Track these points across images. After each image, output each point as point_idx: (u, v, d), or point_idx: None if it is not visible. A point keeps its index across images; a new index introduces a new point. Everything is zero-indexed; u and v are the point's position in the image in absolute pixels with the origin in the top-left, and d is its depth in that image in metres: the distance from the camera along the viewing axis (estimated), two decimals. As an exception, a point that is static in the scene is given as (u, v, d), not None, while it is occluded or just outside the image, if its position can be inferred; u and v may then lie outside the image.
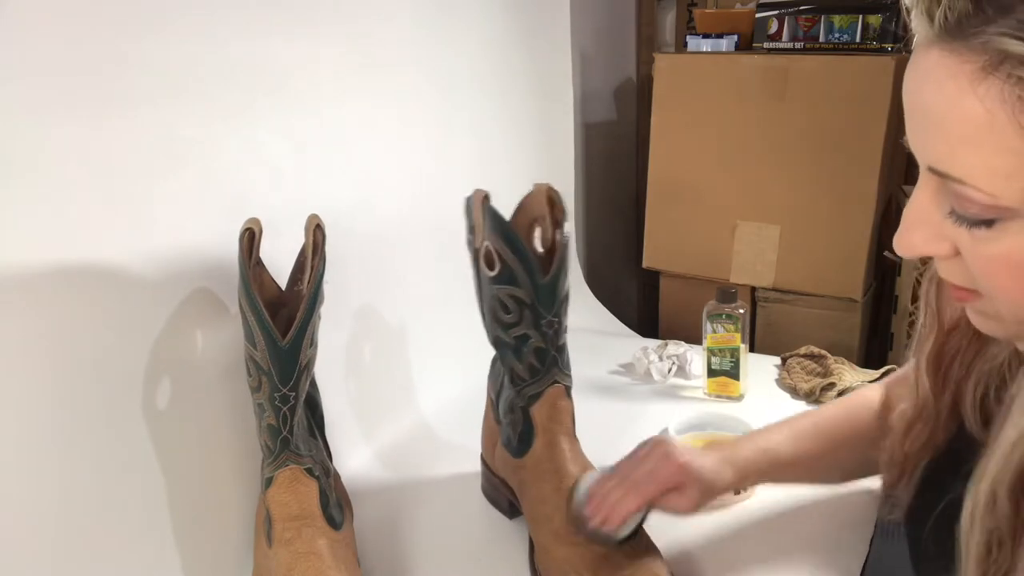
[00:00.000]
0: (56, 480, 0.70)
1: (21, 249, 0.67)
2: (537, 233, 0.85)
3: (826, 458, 0.80)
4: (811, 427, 0.81)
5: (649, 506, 0.75)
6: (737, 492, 0.89)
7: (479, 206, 0.82)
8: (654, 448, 0.77)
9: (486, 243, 0.81)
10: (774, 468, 0.79)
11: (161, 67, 0.79)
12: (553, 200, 0.84)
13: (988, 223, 0.44)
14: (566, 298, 0.83)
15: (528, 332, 0.82)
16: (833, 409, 0.83)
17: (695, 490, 0.74)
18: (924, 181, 0.47)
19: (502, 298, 0.81)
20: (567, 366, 0.85)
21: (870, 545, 0.83)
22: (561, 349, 0.84)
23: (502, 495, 0.91)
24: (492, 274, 0.81)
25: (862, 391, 0.84)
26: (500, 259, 0.80)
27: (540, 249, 0.84)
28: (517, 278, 0.80)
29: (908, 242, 0.48)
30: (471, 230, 0.85)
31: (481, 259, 0.82)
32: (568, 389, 0.85)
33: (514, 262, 0.79)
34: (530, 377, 0.84)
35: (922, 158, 0.46)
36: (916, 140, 0.47)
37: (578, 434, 0.88)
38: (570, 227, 0.84)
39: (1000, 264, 0.45)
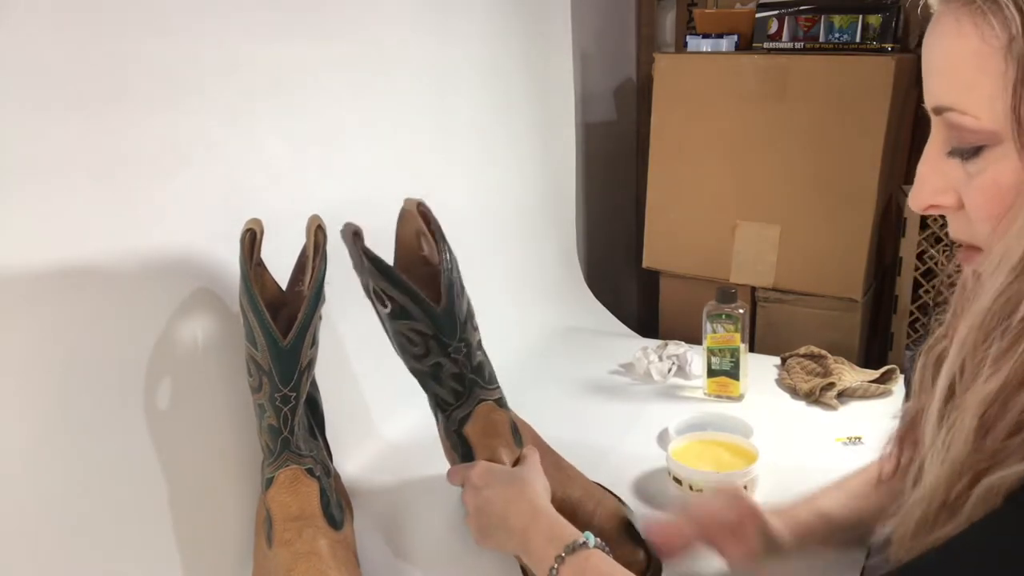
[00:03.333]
0: (56, 480, 0.70)
1: (21, 249, 0.67)
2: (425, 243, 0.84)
3: (884, 513, 0.78)
4: (863, 485, 0.79)
5: (703, 540, 0.76)
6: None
7: (351, 245, 0.80)
8: (726, 492, 0.79)
9: (370, 282, 0.79)
10: (833, 531, 0.78)
11: (161, 67, 0.79)
12: (426, 216, 0.82)
13: (978, 151, 0.48)
14: (469, 317, 0.82)
15: (441, 361, 0.81)
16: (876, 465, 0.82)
17: (755, 537, 0.74)
18: (932, 131, 0.51)
19: (404, 332, 0.81)
20: (490, 380, 0.84)
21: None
22: (478, 368, 0.83)
23: None
24: (387, 311, 0.80)
25: (858, 472, 0.82)
26: (389, 297, 0.79)
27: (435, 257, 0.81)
28: (411, 313, 0.79)
29: (919, 195, 0.53)
30: (354, 266, 0.82)
31: (371, 296, 0.81)
32: (499, 400, 0.84)
33: (403, 299, 0.78)
34: (455, 400, 0.84)
35: (929, 104, 0.50)
36: (925, 89, 0.51)
37: (578, 435, 0.89)
38: (450, 244, 0.81)
39: (989, 193, 0.48)
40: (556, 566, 0.66)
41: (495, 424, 0.83)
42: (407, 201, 0.84)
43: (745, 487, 0.90)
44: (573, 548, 0.66)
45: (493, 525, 0.76)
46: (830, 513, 0.78)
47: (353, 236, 0.80)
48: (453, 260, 0.81)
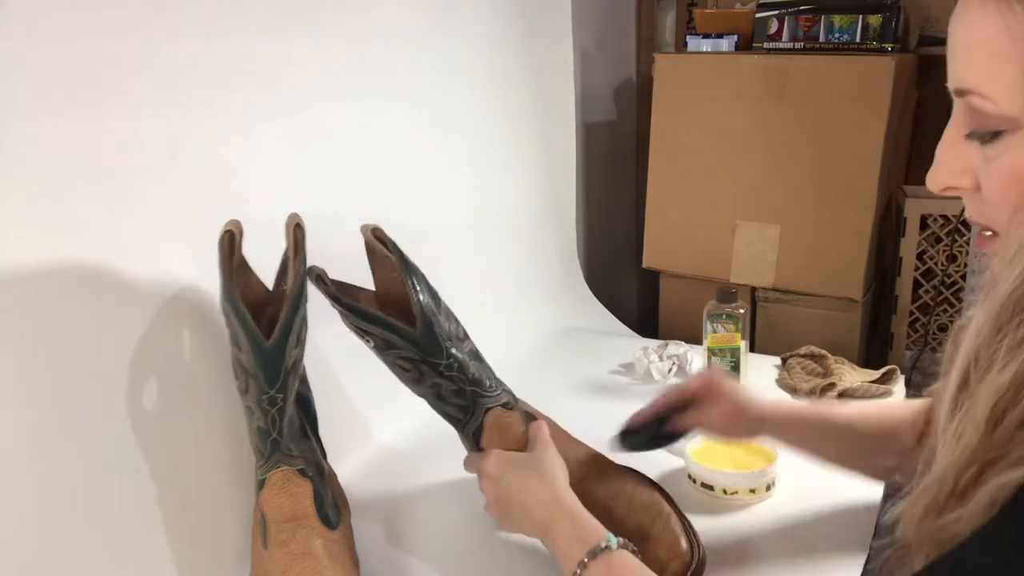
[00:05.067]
0: (52, 481, 0.69)
1: (17, 249, 0.67)
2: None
3: (880, 438, 0.81)
4: (873, 410, 0.84)
5: (674, 409, 0.86)
6: (768, 488, 0.91)
7: (319, 289, 0.80)
8: (706, 370, 0.89)
9: (349, 325, 0.80)
10: (823, 426, 0.83)
11: (160, 67, 0.79)
12: (383, 241, 0.81)
13: (996, 135, 0.48)
14: (453, 333, 0.81)
15: (437, 381, 0.81)
16: (901, 404, 0.85)
17: (724, 406, 0.84)
18: (953, 112, 0.51)
19: (395, 362, 0.81)
20: (492, 387, 0.84)
21: (869, 549, 0.83)
22: (476, 380, 0.82)
23: None
24: (371, 345, 0.80)
25: (900, 402, 0.86)
26: (368, 333, 0.79)
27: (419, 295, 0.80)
28: (394, 343, 0.79)
29: (936, 176, 0.53)
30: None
31: (354, 333, 0.82)
32: (505, 404, 0.84)
33: (381, 332, 0.78)
34: (464, 416, 0.83)
35: (951, 85, 0.51)
36: (948, 69, 0.50)
37: (579, 434, 0.88)
38: (414, 265, 0.81)
39: (1005, 179, 0.48)
40: (579, 572, 0.67)
41: (508, 428, 0.83)
42: (363, 229, 0.83)
43: (768, 487, 0.91)
44: (595, 553, 0.67)
45: (514, 514, 0.76)
46: (824, 411, 0.84)
47: (317, 280, 0.79)
48: (422, 282, 0.80)
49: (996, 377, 0.46)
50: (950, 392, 0.51)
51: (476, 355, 0.84)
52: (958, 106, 0.51)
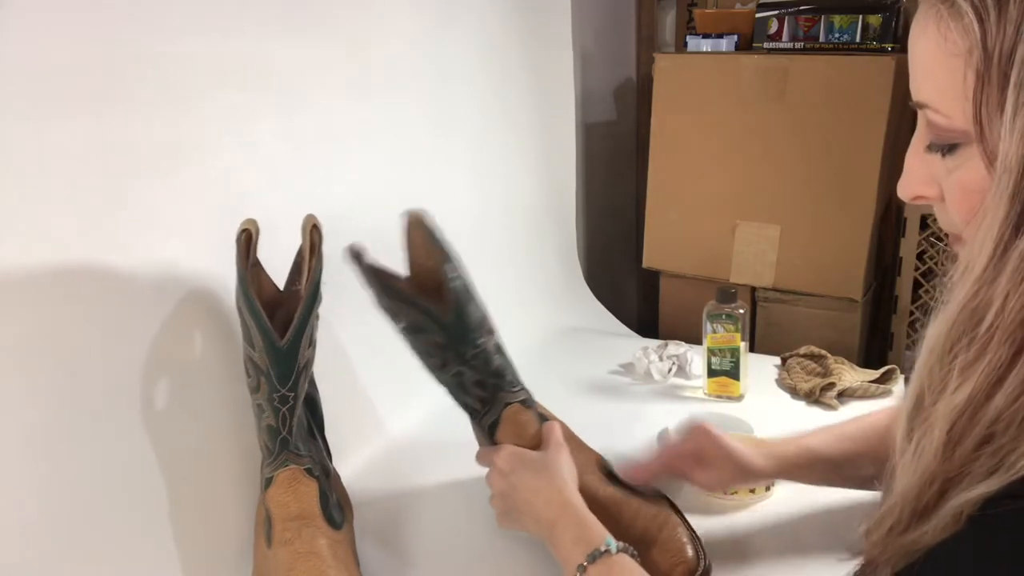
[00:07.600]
0: (55, 480, 0.70)
1: (20, 249, 0.67)
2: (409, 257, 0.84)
3: (868, 457, 0.80)
4: (856, 429, 0.83)
5: (671, 472, 0.83)
6: (768, 488, 0.91)
7: (356, 267, 0.80)
8: (695, 426, 0.84)
9: (380, 301, 0.81)
10: (815, 465, 0.81)
11: (161, 67, 0.79)
12: (427, 226, 0.82)
13: (952, 149, 0.48)
14: (481, 323, 0.82)
15: (460, 369, 0.81)
16: (882, 413, 0.84)
17: (724, 468, 0.81)
18: (918, 124, 0.52)
19: (422, 346, 0.81)
20: (513, 382, 0.84)
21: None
22: (498, 372, 0.83)
23: None
24: (401, 327, 0.81)
25: (878, 413, 0.84)
26: (399, 314, 0.80)
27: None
28: (424, 326, 0.79)
29: (906, 185, 0.54)
30: (363, 285, 0.83)
31: (384, 313, 0.82)
32: (524, 401, 0.84)
33: (413, 314, 0.79)
34: (483, 407, 0.84)
35: (912, 98, 0.51)
36: (910, 85, 0.51)
37: (578, 434, 0.88)
38: (454, 251, 0.82)
39: (959, 191, 0.48)
40: (578, 575, 0.67)
41: (523, 425, 0.83)
42: (406, 213, 0.84)
43: (768, 487, 0.91)
44: (595, 557, 0.67)
45: (519, 511, 0.77)
46: (814, 448, 0.82)
47: (356, 257, 0.80)
48: (458, 268, 0.81)
49: (951, 398, 0.46)
50: (905, 414, 0.51)
51: (500, 349, 0.85)
52: (920, 117, 0.51)
